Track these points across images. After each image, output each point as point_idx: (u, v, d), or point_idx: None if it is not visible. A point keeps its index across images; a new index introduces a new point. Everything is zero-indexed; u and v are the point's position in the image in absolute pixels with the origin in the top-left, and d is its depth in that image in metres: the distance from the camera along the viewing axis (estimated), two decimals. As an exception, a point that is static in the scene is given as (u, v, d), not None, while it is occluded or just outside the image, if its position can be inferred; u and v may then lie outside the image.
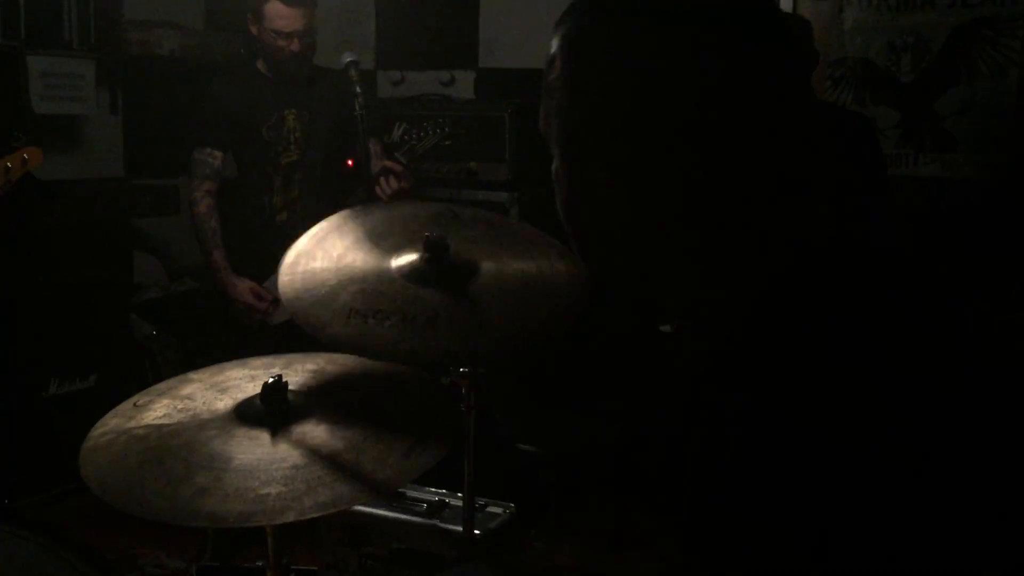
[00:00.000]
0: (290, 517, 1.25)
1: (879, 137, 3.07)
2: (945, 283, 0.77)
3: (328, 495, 1.28)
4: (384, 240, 1.75)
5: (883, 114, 3.47)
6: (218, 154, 3.15)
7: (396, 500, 2.34)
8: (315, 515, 1.25)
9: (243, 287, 3.10)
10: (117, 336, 3.68)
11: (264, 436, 1.41)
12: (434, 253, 1.65)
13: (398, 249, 1.72)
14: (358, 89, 2.79)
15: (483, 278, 1.67)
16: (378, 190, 2.97)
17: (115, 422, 1.48)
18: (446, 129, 3.30)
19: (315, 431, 1.43)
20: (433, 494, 2.39)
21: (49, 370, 3.48)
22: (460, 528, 2.21)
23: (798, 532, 0.67)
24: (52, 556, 1.15)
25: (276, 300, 3.08)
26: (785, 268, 0.78)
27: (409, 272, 1.65)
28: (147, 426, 1.45)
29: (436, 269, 1.64)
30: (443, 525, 2.27)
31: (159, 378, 3.63)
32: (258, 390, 1.49)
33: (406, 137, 3.49)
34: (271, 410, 1.43)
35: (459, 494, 2.39)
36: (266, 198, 3.16)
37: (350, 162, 3.05)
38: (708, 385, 0.80)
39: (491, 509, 2.38)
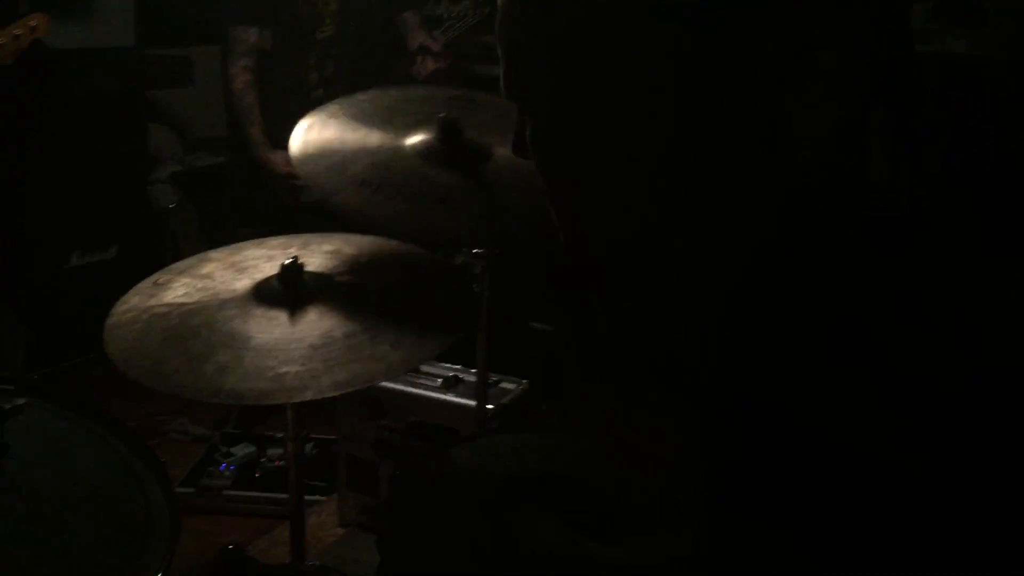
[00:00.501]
0: (308, 396, 1.29)
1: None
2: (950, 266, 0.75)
3: (345, 374, 1.32)
4: (399, 119, 1.74)
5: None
6: (254, 30, 3.08)
7: (412, 375, 2.40)
8: (332, 394, 1.29)
9: (279, 158, 3.06)
10: (136, 208, 3.70)
11: (282, 316, 1.44)
12: (448, 134, 1.65)
13: (412, 128, 1.71)
14: None
15: (496, 163, 1.67)
16: (414, 69, 2.92)
17: (137, 300, 1.51)
18: (486, 8, 3.18)
19: (332, 311, 1.46)
20: (448, 369, 2.45)
21: (70, 242, 3.53)
22: (473, 402, 2.27)
23: (790, 533, 0.67)
24: (83, 429, 1.20)
25: None
26: (771, 240, 0.74)
27: (422, 151, 1.65)
28: (168, 304, 1.48)
29: (449, 150, 1.64)
30: (457, 399, 2.34)
31: (178, 250, 3.69)
32: (276, 270, 1.51)
33: (445, 15, 3.37)
34: (289, 291, 1.46)
35: (473, 370, 2.45)
36: (302, 73, 3.11)
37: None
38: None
39: (504, 384, 2.44)
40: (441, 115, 1.66)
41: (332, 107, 1.76)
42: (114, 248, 3.64)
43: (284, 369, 1.32)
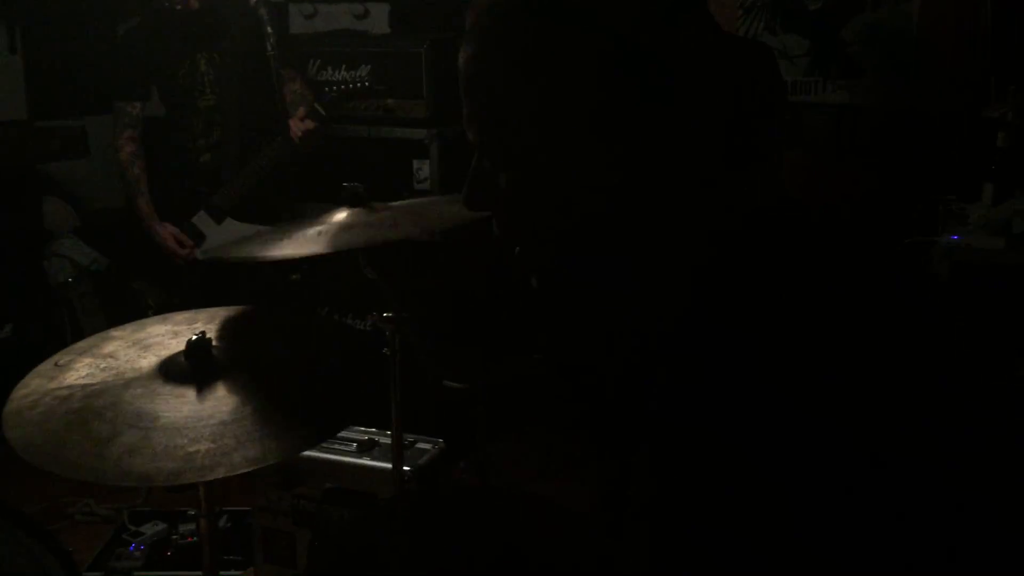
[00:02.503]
0: (220, 473, 1.27)
1: (777, 65, 3.10)
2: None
3: (257, 450, 1.31)
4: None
5: (793, 41, 3.53)
6: (137, 104, 3.19)
7: (327, 440, 2.37)
8: (245, 470, 1.28)
9: (165, 233, 3.17)
10: (31, 285, 3.60)
11: (190, 393, 1.42)
12: (351, 197, 1.72)
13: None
14: (269, 29, 2.76)
15: (395, 209, 1.75)
16: (292, 131, 3.00)
17: (37, 382, 1.47)
18: (364, 69, 3.27)
19: (240, 386, 1.44)
20: (363, 433, 2.44)
21: (-37, 322, 3.40)
22: (389, 465, 2.26)
23: (756, 513, 0.69)
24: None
25: (200, 240, 3.17)
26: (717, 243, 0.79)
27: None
28: (70, 386, 1.44)
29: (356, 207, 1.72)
30: (373, 463, 2.32)
31: (77, 326, 3.59)
32: (181, 346, 1.49)
33: (320, 78, 3.45)
34: (196, 367, 1.44)
35: (388, 432, 2.44)
36: (189, 141, 3.18)
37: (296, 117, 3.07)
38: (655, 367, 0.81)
39: (420, 445, 2.44)
40: (345, 184, 1.70)
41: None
42: (8, 327, 3.53)
43: (195, 447, 1.30)
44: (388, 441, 2.44)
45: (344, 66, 3.46)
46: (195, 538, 2.76)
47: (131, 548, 2.76)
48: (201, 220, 3.17)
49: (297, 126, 3.05)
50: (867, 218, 3.23)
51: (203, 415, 1.37)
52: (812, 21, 3.51)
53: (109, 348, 1.55)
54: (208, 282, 3.10)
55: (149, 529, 2.85)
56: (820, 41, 3.51)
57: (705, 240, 0.80)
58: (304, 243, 1.68)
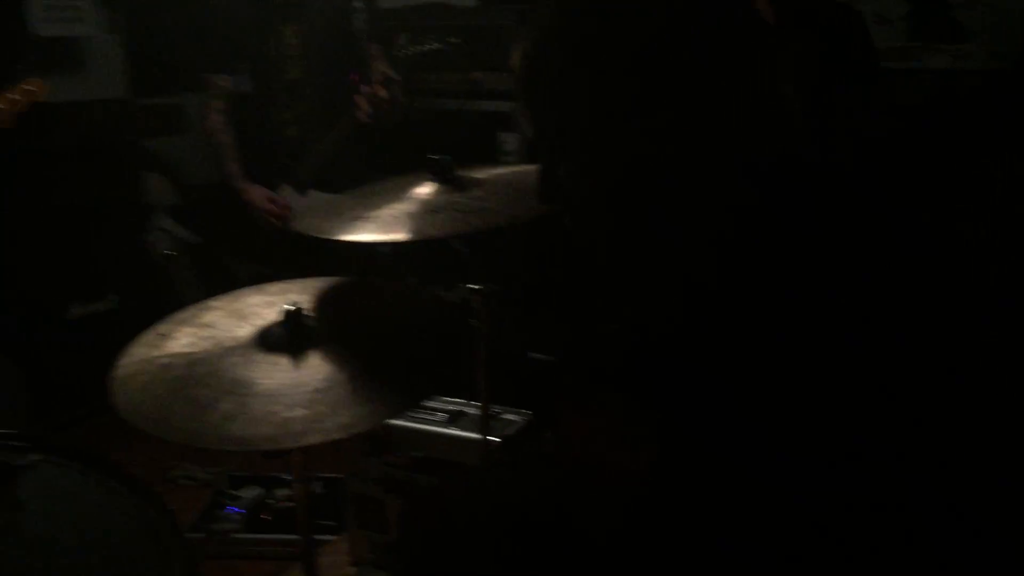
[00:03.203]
0: (314, 439, 1.31)
1: (866, 28, 2.98)
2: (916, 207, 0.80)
3: (349, 416, 1.34)
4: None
5: (892, 4, 3.41)
6: (227, 77, 3.24)
7: (415, 410, 2.42)
8: (338, 436, 1.31)
9: (257, 193, 3.20)
10: (134, 257, 3.74)
11: (284, 361, 1.46)
12: (438, 171, 1.72)
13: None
14: (357, 3, 2.79)
15: (484, 185, 1.74)
16: (362, 101, 2.99)
17: (141, 351, 1.53)
18: (450, 40, 3.27)
19: (333, 354, 1.48)
20: (451, 403, 2.47)
21: (69, 293, 3.55)
22: (477, 435, 2.29)
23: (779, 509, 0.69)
24: (94, 482, 1.22)
25: (288, 206, 3.21)
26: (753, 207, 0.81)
27: (421, 193, 1.72)
28: (172, 355, 1.50)
29: (442, 184, 1.72)
30: (461, 433, 2.36)
31: (176, 296, 3.72)
32: (276, 316, 1.54)
33: (406, 50, 3.46)
34: (291, 336, 1.48)
35: (476, 403, 2.47)
36: (275, 113, 3.22)
37: (354, 77, 3.07)
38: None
39: (507, 416, 2.46)
40: (430, 157, 1.71)
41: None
42: (113, 298, 3.66)
43: (289, 413, 1.34)
44: (476, 412, 2.48)
45: (432, 39, 3.47)
46: (290, 502, 2.85)
47: (229, 511, 2.86)
48: (284, 192, 3.24)
49: (362, 101, 3.04)
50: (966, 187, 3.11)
51: (298, 383, 1.41)
52: (913, -17, 3.38)
53: (208, 318, 1.60)
54: (298, 255, 3.16)
55: (246, 493, 2.94)
56: (922, 3, 3.38)
57: (750, 197, 0.82)
58: (390, 227, 1.69)
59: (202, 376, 1.43)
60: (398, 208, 1.74)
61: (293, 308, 1.50)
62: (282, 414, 1.35)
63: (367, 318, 1.62)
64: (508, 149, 3.42)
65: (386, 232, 1.67)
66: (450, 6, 3.72)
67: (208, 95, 3.26)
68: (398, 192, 1.78)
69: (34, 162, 3.46)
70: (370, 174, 3.24)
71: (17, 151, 3.27)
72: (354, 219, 1.69)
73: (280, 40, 3.17)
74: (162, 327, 1.60)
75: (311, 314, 1.55)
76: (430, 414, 2.45)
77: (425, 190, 1.78)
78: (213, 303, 1.66)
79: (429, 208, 1.72)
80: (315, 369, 1.44)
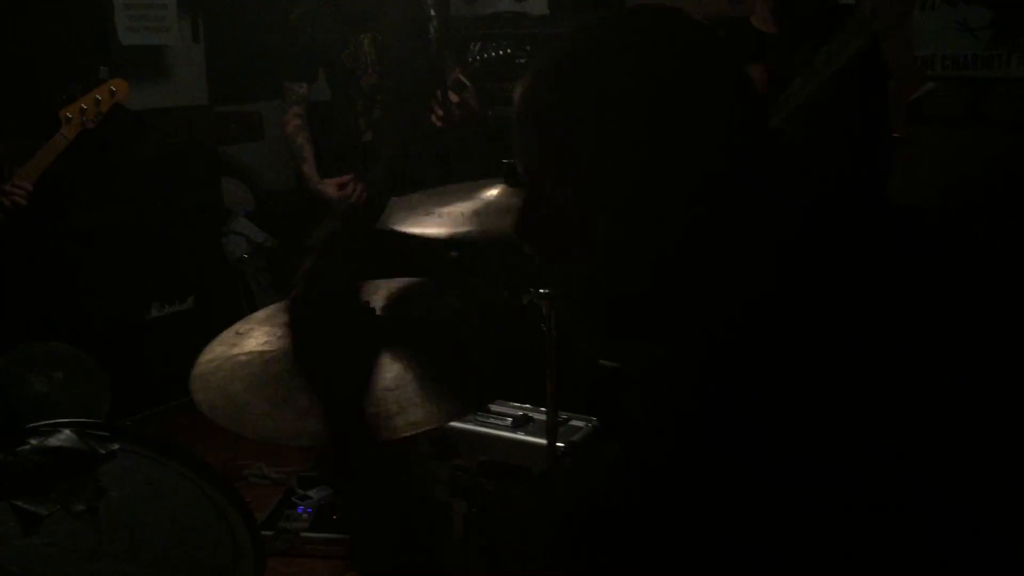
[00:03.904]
0: (383, 437, 1.32)
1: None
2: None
3: (419, 414, 1.36)
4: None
5: (975, 13, 3.33)
6: (304, 84, 3.32)
7: (483, 415, 2.43)
8: (407, 434, 1.33)
9: (328, 186, 3.25)
10: (211, 260, 3.83)
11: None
12: (510, 174, 1.73)
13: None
14: (432, 12, 2.82)
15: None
16: (436, 106, 3.03)
17: (220, 349, 1.57)
18: (526, 48, 3.29)
19: (402, 354, 1.50)
20: (518, 408, 2.48)
21: (149, 295, 3.66)
22: (543, 441, 2.30)
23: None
24: (173, 472, 1.25)
25: (354, 179, 3.25)
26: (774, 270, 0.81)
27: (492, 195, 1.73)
28: (249, 352, 1.54)
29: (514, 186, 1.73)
30: (527, 438, 2.36)
31: (252, 298, 3.80)
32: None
33: (479, 57, 3.49)
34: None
35: (542, 408, 2.47)
36: (351, 120, 3.28)
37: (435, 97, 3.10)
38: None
39: (574, 423, 2.46)
40: (504, 161, 1.72)
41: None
42: (191, 299, 3.76)
43: (360, 411, 1.36)
44: (542, 417, 2.48)
45: (504, 46, 3.49)
46: (358, 504, 2.87)
47: (299, 510, 2.91)
48: None
49: (434, 106, 3.07)
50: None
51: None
52: (997, -9, 3.30)
53: (284, 318, 1.64)
54: (369, 257, 3.20)
55: (316, 493, 2.99)
56: (1005, 11, 3.29)
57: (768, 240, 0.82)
58: (458, 224, 1.71)
59: (278, 374, 1.46)
60: (468, 206, 1.75)
61: (365, 307, 1.52)
62: (353, 412, 1.37)
63: (437, 318, 1.64)
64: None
65: (455, 228, 1.69)
66: (522, 14, 3.75)
67: (286, 101, 3.33)
68: (470, 193, 1.80)
69: (118, 166, 3.58)
70: (443, 179, 3.29)
71: (104, 155, 3.39)
72: (425, 214, 1.71)
73: (358, 48, 3.23)
74: (240, 326, 1.64)
75: (381, 313, 1.57)
76: (496, 418, 2.46)
77: (496, 192, 1.80)
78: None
79: (499, 208, 1.73)
80: (384, 367, 1.46)
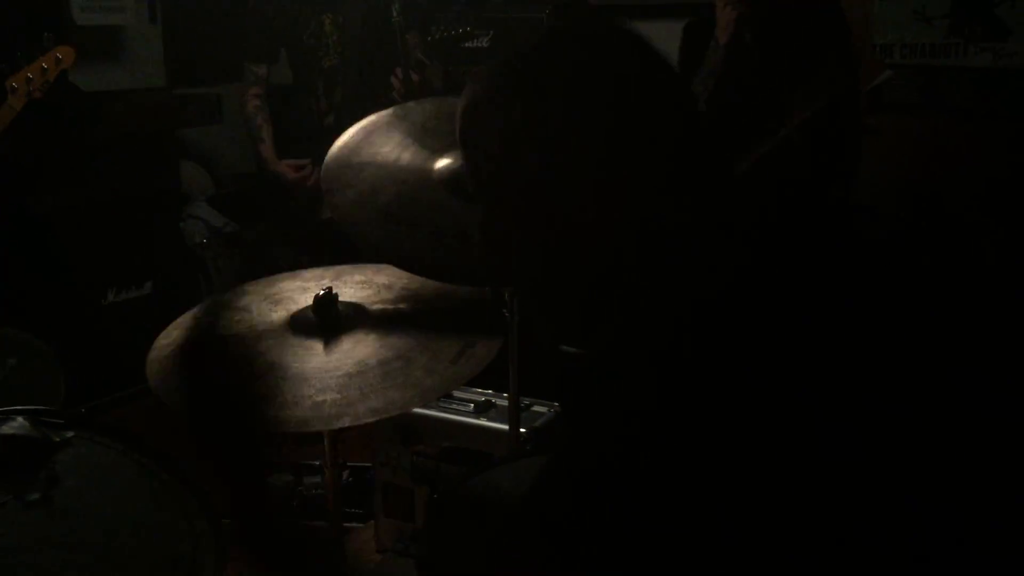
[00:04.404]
0: (345, 422, 1.32)
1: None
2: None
3: (380, 401, 1.35)
4: (431, 138, 1.78)
5: (934, 2, 3.36)
6: (264, 66, 3.29)
7: (444, 400, 2.42)
8: (369, 420, 1.32)
9: (283, 167, 3.25)
10: (170, 245, 3.77)
11: (317, 346, 1.48)
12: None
13: (443, 150, 1.75)
14: None
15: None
16: (397, 83, 3.01)
17: (177, 333, 1.55)
18: (486, 35, 3.28)
19: (365, 340, 1.49)
20: (479, 394, 2.47)
21: (106, 280, 3.59)
22: (506, 427, 2.29)
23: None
24: (130, 461, 1.23)
25: (310, 163, 3.21)
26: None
27: (447, 179, 1.68)
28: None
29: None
30: (490, 424, 2.36)
31: (211, 284, 3.75)
32: (310, 301, 1.55)
33: (439, 36, 3.45)
34: (323, 321, 1.50)
35: (505, 394, 2.47)
36: (313, 102, 3.26)
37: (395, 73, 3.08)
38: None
39: (536, 408, 2.46)
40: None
41: (367, 123, 1.83)
42: (148, 284, 3.70)
43: (321, 397, 1.35)
44: (504, 403, 2.48)
45: (463, 25, 3.47)
46: (320, 490, 2.86)
47: (259, 497, 2.88)
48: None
49: (397, 82, 3.06)
50: (1010, 190, 3.07)
51: (329, 367, 1.42)
52: (954, -21, 3.33)
53: (243, 302, 1.62)
54: (334, 242, 3.18)
55: (276, 479, 2.96)
56: (962, 2, 3.33)
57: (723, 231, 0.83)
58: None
59: (236, 358, 1.45)
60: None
61: (325, 293, 1.51)
62: (314, 397, 1.36)
63: (400, 305, 1.63)
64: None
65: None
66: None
67: (246, 82, 3.29)
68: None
69: (73, 149, 3.50)
70: None
71: (55, 134, 3.32)
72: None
73: (319, 29, 3.20)
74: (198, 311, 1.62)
75: (344, 300, 1.56)
76: (459, 404, 2.45)
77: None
78: (248, 287, 1.68)
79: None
80: (346, 354, 1.46)
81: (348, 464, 2.89)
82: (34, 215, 3.35)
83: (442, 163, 1.72)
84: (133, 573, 1.10)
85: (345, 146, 1.75)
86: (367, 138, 1.76)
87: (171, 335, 1.56)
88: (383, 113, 1.85)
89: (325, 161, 1.75)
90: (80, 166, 3.53)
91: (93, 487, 1.21)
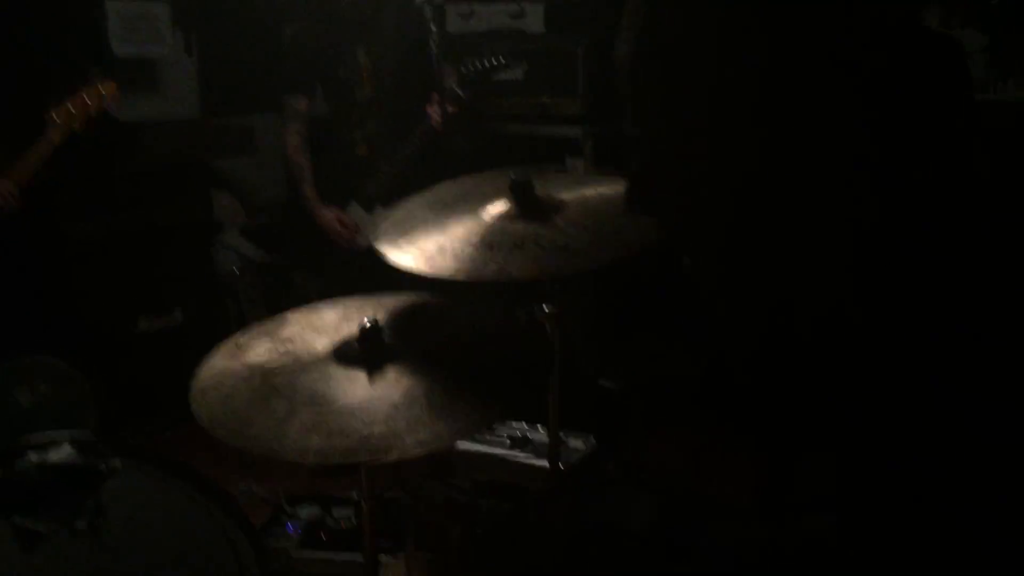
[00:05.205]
0: (394, 455, 1.30)
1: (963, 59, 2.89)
2: None
3: (428, 433, 1.33)
4: (470, 202, 1.79)
5: (970, 36, 3.34)
6: (303, 98, 3.29)
7: (480, 434, 2.40)
8: (417, 453, 1.30)
9: (329, 217, 3.26)
10: (200, 274, 3.79)
11: (361, 376, 1.46)
12: (519, 194, 1.68)
13: (486, 202, 1.76)
14: (433, 27, 2.82)
15: (568, 210, 1.69)
16: (434, 111, 3.02)
17: (220, 362, 1.54)
18: (520, 68, 3.29)
19: (410, 371, 1.47)
20: (515, 428, 2.45)
21: (137, 308, 3.61)
22: (542, 461, 2.27)
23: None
24: (175, 489, 1.22)
25: (357, 225, 3.26)
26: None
27: (498, 213, 1.68)
28: (251, 366, 1.50)
29: (522, 206, 1.67)
30: (528, 459, 2.33)
31: (242, 314, 3.75)
32: (352, 330, 1.53)
33: (473, 68, 3.46)
34: (368, 351, 1.48)
35: (539, 427, 2.45)
36: (347, 133, 3.27)
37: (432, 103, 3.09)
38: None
39: (572, 443, 2.43)
40: (512, 176, 1.69)
41: (406, 206, 1.84)
42: (179, 312, 3.71)
43: (368, 430, 1.33)
44: (540, 437, 2.45)
45: (496, 56, 3.48)
46: (348, 522, 2.84)
47: (288, 528, 2.85)
48: (353, 210, 3.27)
49: (434, 112, 3.08)
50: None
51: (375, 397, 1.40)
52: (993, 14, 3.31)
53: (286, 332, 1.61)
54: (364, 272, 3.17)
55: (304, 511, 2.93)
56: (1002, 35, 3.31)
57: (862, 220, 0.80)
58: (473, 265, 1.63)
59: (281, 388, 1.43)
60: (474, 230, 1.69)
61: (370, 323, 1.50)
62: (361, 430, 1.34)
63: (443, 335, 1.61)
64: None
65: (463, 268, 1.62)
66: (520, 31, 3.74)
67: (286, 118, 3.30)
68: (472, 213, 1.75)
69: (109, 177, 3.53)
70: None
71: (93, 165, 3.35)
72: (435, 249, 1.65)
73: (353, 61, 3.22)
74: (240, 338, 1.61)
75: (388, 329, 1.54)
76: (494, 437, 2.43)
77: (500, 210, 1.74)
78: (290, 315, 1.66)
79: (510, 242, 1.64)
80: (392, 385, 1.43)
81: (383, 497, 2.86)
82: (69, 241, 3.38)
83: (489, 208, 1.73)
84: (180, 606, 1.08)
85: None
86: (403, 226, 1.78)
87: (213, 365, 1.54)
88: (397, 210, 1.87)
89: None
90: (115, 194, 3.56)
91: (139, 517, 1.19)
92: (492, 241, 1.60)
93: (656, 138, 0.85)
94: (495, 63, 3.20)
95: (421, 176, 3.22)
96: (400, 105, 3.24)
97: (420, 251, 1.62)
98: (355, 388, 1.43)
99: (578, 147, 3.37)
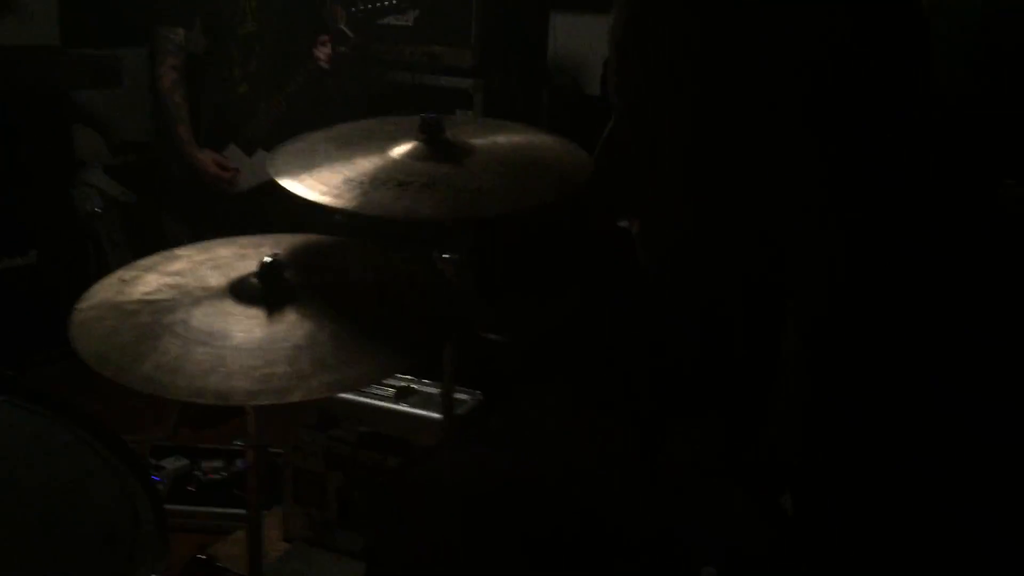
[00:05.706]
0: (297, 396, 1.24)
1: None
2: None
3: (334, 376, 1.28)
4: (377, 141, 1.73)
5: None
6: (180, 31, 3.10)
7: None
8: (323, 395, 1.25)
9: (206, 159, 3.11)
10: (58, 214, 3.56)
11: (261, 315, 1.39)
12: (430, 133, 1.63)
13: (393, 142, 1.70)
14: None
15: (479, 153, 1.66)
16: (319, 53, 2.93)
17: (102, 296, 1.43)
18: (412, 14, 3.21)
19: (313, 312, 1.40)
20: (399, 379, 2.41)
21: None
22: (427, 412, 2.24)
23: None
24: (62, 429, 1.12)
25: (236, 169, 3.13)
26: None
27: (407, 152, 1.63)
28: (138, 301, 1.41)
29: (432, 147, 1.63)
30: (413, 410, 2.30)
31: (103, 258, 3.55)
32: (249, 268, 1.46)
33: (363, 7, 3.35)
34: (268, 289, 1.41)
35: (424, 380, 2.41)
36: (226, 70, 3.13)
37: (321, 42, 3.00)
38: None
39: (459, 395, 2.41)
40: (422, 115, 1.64)
41: (306, 140, 1.75)
42: (33, 252, 3.48)
43: (271, 369, 1.27)
44: (424, 389, 2.42)
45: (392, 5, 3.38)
46: (219, 475, 2.75)
47: (153, 479, 2.73)
48: (232, 153, 3.13)
49: (321, 52, 2.99)
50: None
51: (277, 338, 1.33)
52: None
53: (176, 266, 1.51)
54: (243, 219, 3.05)
55: (171, 464, 2.83)
56: None
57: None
58: (382, 201, 1.56)
59: (173, 324, 1.34)
60: (382, 172, 1.62)
61: (272, 260, 1.42)
62: (262, 369, 1.27)
63: (347, 277, 1.55)
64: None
65: (371, 203, 1.55)
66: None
67: (159, 51, 3.11)
68: (380, 151, 1.69)
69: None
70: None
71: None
72: (341, 181, 1.58)
73: None
74: (124, 272, 1.50)
75: (289, 268, 1.47)
76: (377, 388, 2.39)
77: (409, 149, 1.68)
78: (180, 251, 1.56)
79: (421, 181, 1.59)
80: (295, 325, 1.37)
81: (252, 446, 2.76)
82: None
83: (397, 148, 1.66)
84: (67, 549, 0.99)
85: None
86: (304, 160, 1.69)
87: (94, 298, 1.43)
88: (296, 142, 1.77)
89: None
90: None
91: (18, 456, 1.09)
92: (402, 179, 1.54)
93: (634, 105, 0.84)
94: (385, 3, 3.11)
95: (308, 120, 3.11)
96: (285, 43, 3.11)
97: (325, 185, 1.54)
98: (254, 327, 1.36)
99: (469, 98, 3.32)
